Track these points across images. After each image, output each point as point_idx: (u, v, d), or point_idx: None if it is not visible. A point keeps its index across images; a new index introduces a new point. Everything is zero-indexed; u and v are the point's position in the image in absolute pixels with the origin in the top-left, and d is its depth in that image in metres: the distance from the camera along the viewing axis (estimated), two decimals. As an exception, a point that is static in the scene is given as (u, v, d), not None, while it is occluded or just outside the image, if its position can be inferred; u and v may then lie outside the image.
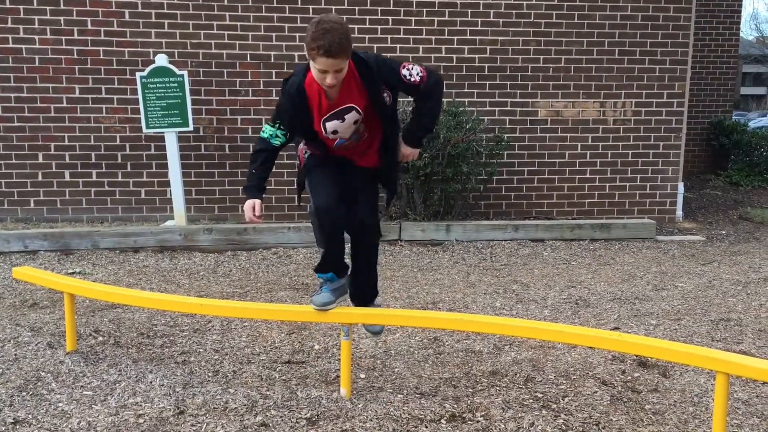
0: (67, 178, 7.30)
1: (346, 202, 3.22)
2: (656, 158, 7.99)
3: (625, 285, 5.42)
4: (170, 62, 6.75)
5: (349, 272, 3.42)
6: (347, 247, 3.34)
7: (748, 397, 3.34)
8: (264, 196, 3.22)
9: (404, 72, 3.06)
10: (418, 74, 3.06)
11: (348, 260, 3.37)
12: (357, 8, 7.36)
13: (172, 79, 6.62)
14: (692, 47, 8.05)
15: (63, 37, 7.10)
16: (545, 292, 5.22)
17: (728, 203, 9.55)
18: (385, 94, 3.07)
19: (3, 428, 2.92)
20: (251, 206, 3.12)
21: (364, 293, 3.51)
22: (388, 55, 7.39)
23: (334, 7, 7.30)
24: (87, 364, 3.61)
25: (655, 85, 7.85)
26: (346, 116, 3.07)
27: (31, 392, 3.27)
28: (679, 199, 8.21)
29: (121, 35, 7.14)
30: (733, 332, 4.28)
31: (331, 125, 3.09)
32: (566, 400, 3.27)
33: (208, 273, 5.78)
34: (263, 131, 3.15)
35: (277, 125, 3.11)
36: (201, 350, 3.90)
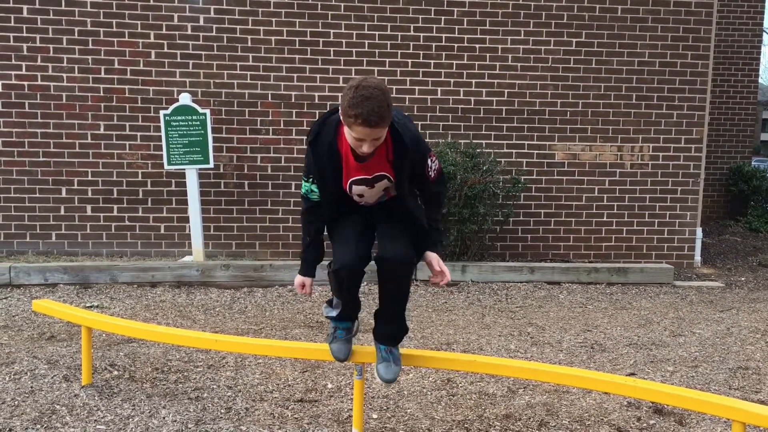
0: (89, 212, 7.42)
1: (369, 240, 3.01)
2: (674, 203, 7.97)
3: (641, 330, 5.37)
4: (193, 101, 6.90)
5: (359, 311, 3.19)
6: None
7: (767, 447, 3.28)
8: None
9: (429, 162, 2.89)
10: (435, 168, 2.91)
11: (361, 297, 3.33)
12: (377, 51, 7.49)
13: (194, 118, 6.75)
14: (710, 93, 8.09)
15: (90, 76, 7.28)
16: (560, 335, 5.18)
17: (747, 249, 9.47)
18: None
19: (16, 460, 2.94)
20: (301, 283, 3.03)
21: (384, 334, 3.08)
22: (406, 99, 7.54)
23: (354, 50, 7.44)
24: (101, 398, 3.63)
25: (673, 131, 7.88)
26: (376, 184, 2.86)
27: (45, 425, 3.29)
28: (698, 245, 8.16)
29: (146, 74, 7.32)
30: (751, 381, 4.22)
31: (358, 189, 2.88)
32: (580, 446, 3.23)
33: (223, 309, 5.81)
34: (302, 186, 2.97)
35: (311, 180, 2.90)
36: (214, 386, 3.91)
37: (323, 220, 3.00)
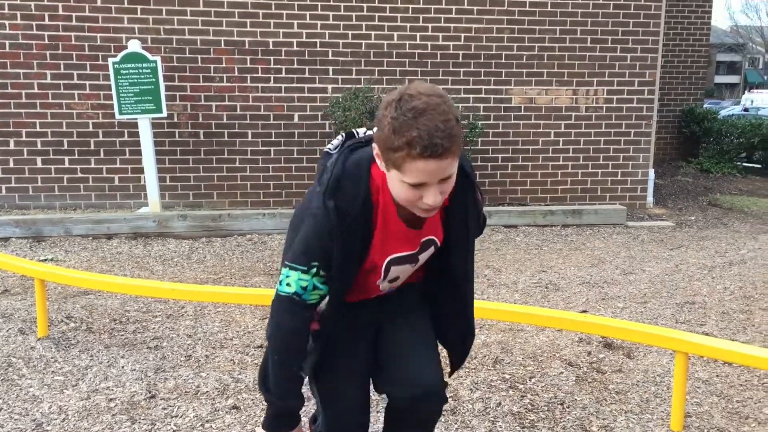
0: (39, 164, 7.24)
1: (378, 365, 2.04)
2: (627, 145, 8.10)
3: (594, 269, 5.52)
4: (143, 48, 6.70)
5: None
6: None
7: (709, 376, 3.44)
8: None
9: (480, 205, 1.95)
10: (484, 218, 2.02)
11: None
12: (331, -6, 7.35)
13: (144, 65, 6.57)
14: (663, 36, 8.16)
15: (34, 22, 7.01)
16: (516, 276, 5.30)
17: (698, 190, 9.71)
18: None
19: (-27, 413, 2.93)
20: None
21: None
22: (362, 44, 7.45)
23: (308, -6, 7.29)
24: (58, 350, 3.62)
25: (627, 73, 7.95)
26: (421, 256, 1.89)
27: (1, 377, 3.27)
28: (650, 186, 8.35)
29: (92, 20, 7.07)
30: (697, 314, 4.39)
31: (397, 270, 1.88)
32: (533, 380, 3.35)
33: (182, 259, 5.78)
34: (284, 282, 1.78)
35: (314, 269, 1.75)
36: (174, 336, 3.92)
37: (307, 345, 1.88)
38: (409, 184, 1.59)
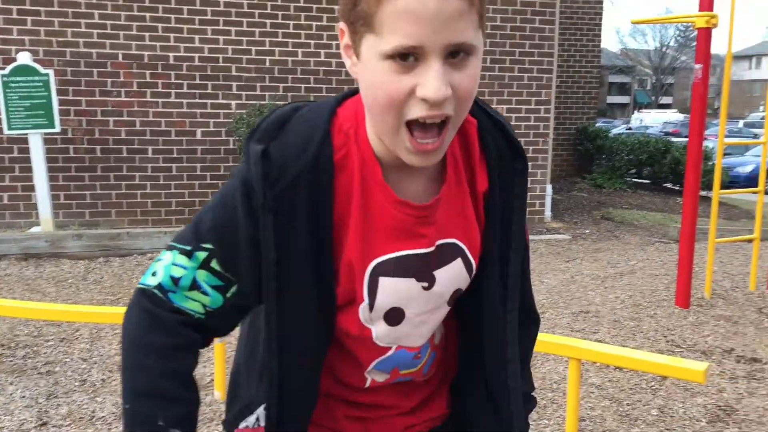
0: None
1: None
2: (526, 162, 8.39)
3: (495, 282, 5.67)
4: (34, 60, 6.42)
5: None
6: None
7: (601, 381, 3.60)
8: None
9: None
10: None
11: None
12: (233, 10, 7.28)
13: (36, 78, 6.29)
14: (557, 57, 8.55)
15: None
16: (421, 290, 5.37)
17: (592, 204, 10.18)
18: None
19: None
20: None
21: None
22: (266, 60, 7.41)
23: (209, 9, 7.19)
24: (-61, 379, 3.40)
25: (524, 93, 8.27)
26: (438, 273, 1.07)
27: None
28: (548, 201, 8.68)
29: (-22, 31, 6.72)
30: (591, 323, 4.60)
31: (393, 288, 1.04)
32: (436, 392, 3.40)
33: (77, 280, 5.55)
34: (150, 270, 1.05)
35: (204, 254, 1.01)
36: (67, 360, 3.75)
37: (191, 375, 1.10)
38: (391, 55, 0.89)
